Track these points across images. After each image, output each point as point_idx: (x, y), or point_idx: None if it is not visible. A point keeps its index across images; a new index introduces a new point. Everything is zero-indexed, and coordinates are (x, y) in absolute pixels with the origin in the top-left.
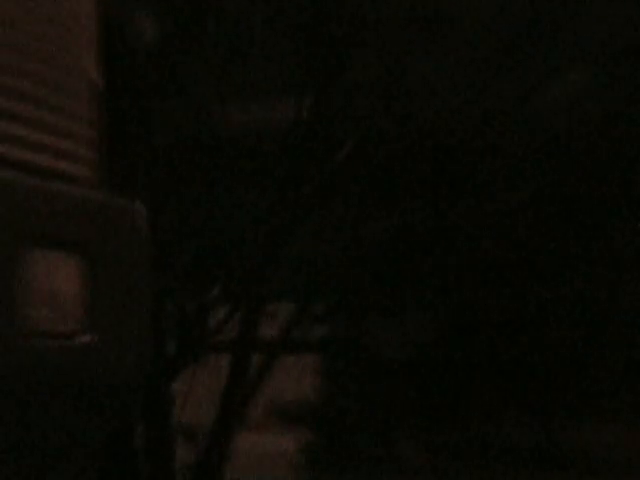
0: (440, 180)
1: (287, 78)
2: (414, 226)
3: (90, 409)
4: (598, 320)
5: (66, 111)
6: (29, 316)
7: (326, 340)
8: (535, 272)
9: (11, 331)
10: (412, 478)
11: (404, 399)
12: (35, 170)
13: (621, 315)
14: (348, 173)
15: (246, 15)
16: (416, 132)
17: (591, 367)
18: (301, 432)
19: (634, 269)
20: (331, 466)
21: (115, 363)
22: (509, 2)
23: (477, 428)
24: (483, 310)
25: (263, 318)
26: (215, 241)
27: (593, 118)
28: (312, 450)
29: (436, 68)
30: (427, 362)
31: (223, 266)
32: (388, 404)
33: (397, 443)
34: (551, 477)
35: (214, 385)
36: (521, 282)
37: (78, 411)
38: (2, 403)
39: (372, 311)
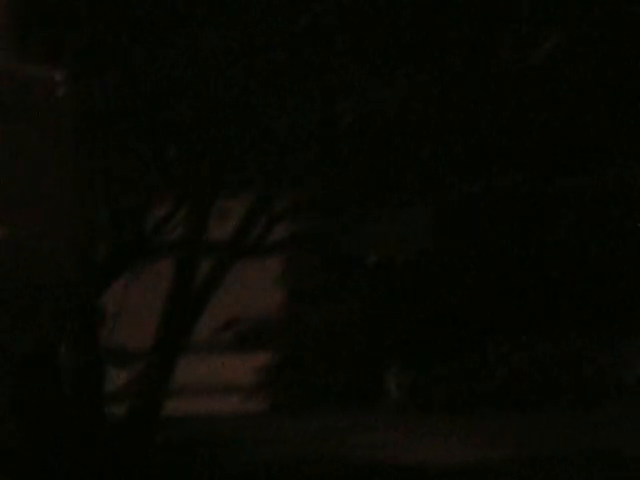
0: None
1: None
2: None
3: (4, 319)
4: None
5: None
6: None
7: (292, 241)
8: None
9: None
10: (393, 415)
11: (389, 317)
12: None
13: None
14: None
15: None
16: None
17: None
18: (260, 356)
19: None
20: (295, 398)
21: (35, 265)
22: None
23: (475, 355)
24: (487, 203)
25: (214, 215)
26: (160, 112)
27: None
28: (273, 379)
29: None
30: (420, 271)
31: (165, 146)
32: (368, 322)
33: (377, 372)
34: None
35: (153, 298)
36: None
37: None
38: None
39: (351, 204)
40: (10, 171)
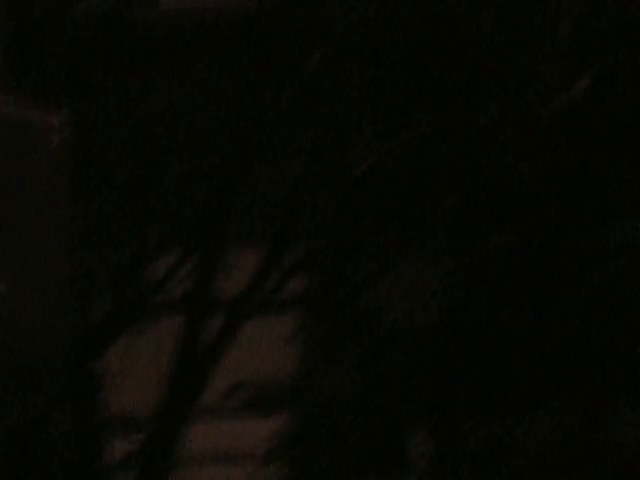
0: (447, 93)
1: None
2: (419, 147)
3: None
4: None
5: None
6: None
7: (306, 298)
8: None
9: None
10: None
11: (409, 379)
12: None
13: None
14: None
15: None
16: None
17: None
18: (273, 420)
19: None
20: (312, 463)
21: (29, 325)
22: None
23: (499, 420)
24: (507, 265)
25: (221, 270)
26: (157, 163)
27: None
28: (287, 443)
29: None
30: (442, 333)
31: (167, 198)
32: (388, 384)
33: (398, 436)
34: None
35: (157, 359)
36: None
37: None
38: None
39: (369, 261)
40: (6, 223)
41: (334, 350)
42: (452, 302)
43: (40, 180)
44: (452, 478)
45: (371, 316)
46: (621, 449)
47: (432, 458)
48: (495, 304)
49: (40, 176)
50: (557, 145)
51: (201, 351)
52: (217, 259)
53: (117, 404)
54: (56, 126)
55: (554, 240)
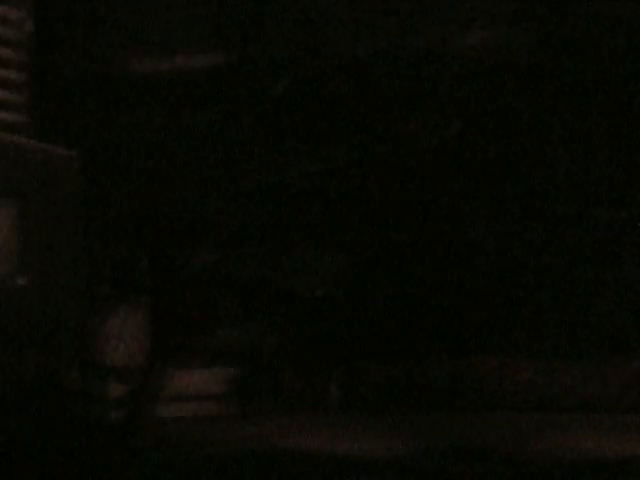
0: (358, 124)
1: (203, 31)
2: (332, 171)
3: (27, 347)
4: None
5: (2, 60)
6: None
7: (246, 281)
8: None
9: None
10: (330, 413)
11: (319, 337)
12: None
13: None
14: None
15: None
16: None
17: (468, 306)
18: (228, 371)
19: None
20: (255, 400)
21: (49, 303)
22: None
23: (382, 368)
24: (395, 251)
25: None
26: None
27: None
28: (239, 389)
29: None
30: (341, 301)
31: (145, 221)
32: (304, 341)
33: (315, 380)
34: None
35: (146, 327)
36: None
37: (15, 350)
38: None
39: (286, 249)
40: (34, 235)
41: (266, 317)
42: (343, 281)
43: (59, 201)
44: (360, 404)
45: (291, 290)
46: (436, 387)
47: (346, 391)
48: (371, 283)
49: (63, 191)
50: (433, 170)
51: (173, 322)
52: (177, 259)
53: (120, 357)
54: (75, 157)
55: (416, 238)
